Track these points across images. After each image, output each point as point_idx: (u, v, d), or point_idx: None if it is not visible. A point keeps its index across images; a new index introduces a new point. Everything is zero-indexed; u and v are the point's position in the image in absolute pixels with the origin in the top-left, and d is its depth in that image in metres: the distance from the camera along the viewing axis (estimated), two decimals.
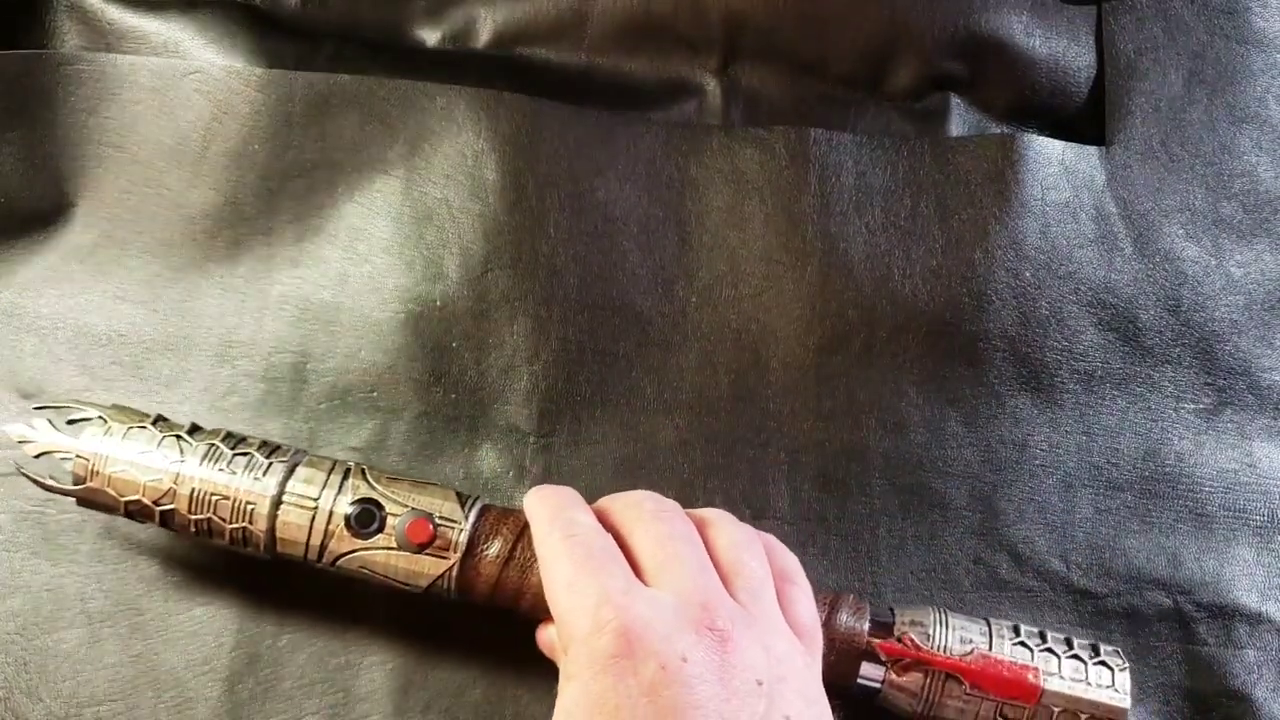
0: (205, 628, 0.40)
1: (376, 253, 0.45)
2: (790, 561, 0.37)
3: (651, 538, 0.34)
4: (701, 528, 0.35)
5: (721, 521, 0.36)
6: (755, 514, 0.43)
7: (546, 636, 0.37)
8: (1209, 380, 0.46)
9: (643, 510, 0.35)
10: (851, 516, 0.43)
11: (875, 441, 0.44)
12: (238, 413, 0.43)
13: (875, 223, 0.46)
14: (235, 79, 0.46)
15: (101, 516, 0.41)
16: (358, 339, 0.44)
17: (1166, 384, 0.46)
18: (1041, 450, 0.44)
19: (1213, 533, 0.44)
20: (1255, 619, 0.43)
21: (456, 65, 0.48)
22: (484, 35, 0.49)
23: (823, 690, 0.33)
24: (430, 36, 0.49)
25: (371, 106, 0.46)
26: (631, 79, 0.49)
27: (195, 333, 0.44)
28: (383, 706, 0.40)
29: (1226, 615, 0.43)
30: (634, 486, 0.38)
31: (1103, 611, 0.43)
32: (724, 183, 0.46)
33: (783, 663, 0.32)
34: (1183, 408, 0.45)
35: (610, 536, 0.34)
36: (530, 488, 0.42)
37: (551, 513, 0.35)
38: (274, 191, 0.45)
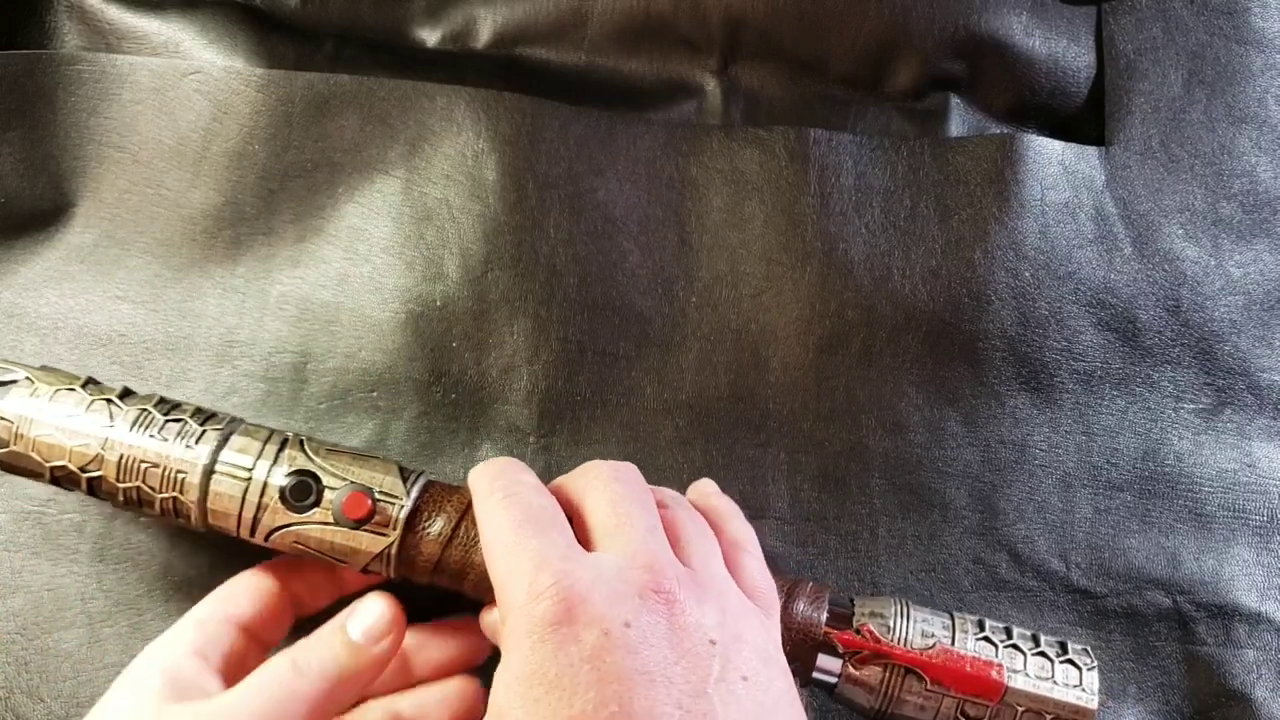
0: None
1: (377, 253, 0.45)
2: (744, 530, 0.36)
3: (606, 499, 0.33)
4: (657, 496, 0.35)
5: (670, 495, 0.36)
6: (755, 514, 0.43)
7: (490, 619, 0.35)
8: (1208, 380, 0.46)
9: (600, 471, 0.34)
10: (851, 516, 0.43)
11: (875, 441, 0.44)
12: (238, 413, 0.43)
13: (875, 223, 0.46)
14: (235, 79, 0.46)
15: (102, 516, 0.41)
16: (358, 339, 0.44)
17: (1166, 384, 0.46)
18: (1041, 450, 0.44)
19: (1212, 533, 0.44)
20: (1254, 619, 0.43)
21: (456, 65, 0.48)
22: (484, 35, 0.49)
23: (782, 653, 0.32)
24: (430, 36, 0.49)
25: (371, 107, 0.46)
26: (631, 79, 0.49)
27: (195, 333, 0.44)
28: None
29: (1226, 615, 0.43)
30: None
31: (1102, 611, 0.43)
32: (724, 183, 0.46)
33: (739, 621, 0.31)
34: (1182, 408, 0.45)
35: (552, 497, 0.33)
36: None
37: (493, 475, 0.34)
38: (274, 191, 0.45)
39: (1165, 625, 0.43)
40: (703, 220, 0.46)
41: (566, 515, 0.33)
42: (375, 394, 0.44)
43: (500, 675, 0.29)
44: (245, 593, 0.36)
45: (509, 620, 0.30)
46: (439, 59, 0.49)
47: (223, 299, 0.45)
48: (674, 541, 0.33)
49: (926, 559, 0.43)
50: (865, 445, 0.44)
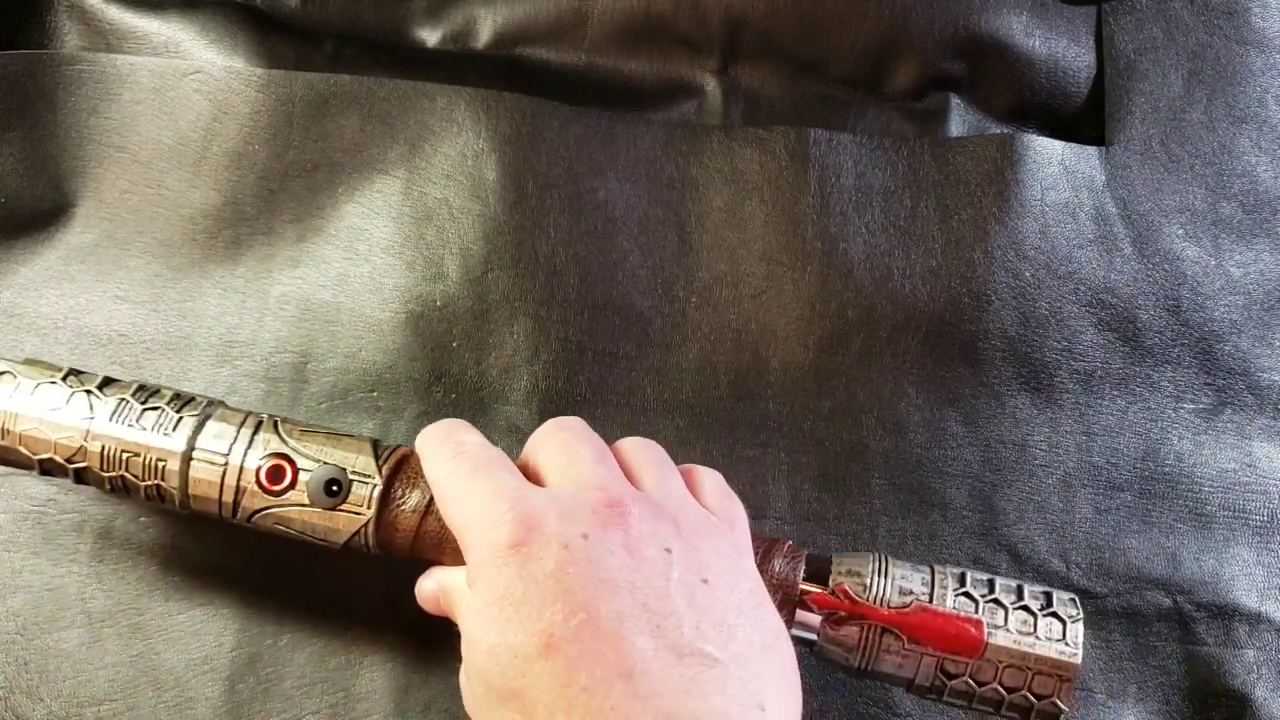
0: (205, 627, 0.40)
1: (377, 253, 0.45)
2: (701, 467, 0.37)
3: (554, 444, 0.34)
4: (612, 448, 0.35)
5: (627, 438, 0.36)
6: (755, 514, 0.43)
7: (428, 586, 0.35)
8: (1208, 380, 0.46)
9: (545, 426, 0.35)
10: (851, 516, 0.43)
11: (875, 441, 0.44)
12: None
13: (875, 223, 0.46)
14: (235, 79, 0.46)
15: (102, 516, 0.41)
16: (358, 339, 0.44)
17: (1166, 384, 0.46)
18: (1041, 450, 0.44)
19: (1212, 533, 0.44)
20: (1254, 619, 0.43)
21: (457, 65, 0.48)
22: (484, 35, 0.49)
23: (751, 560, 0.33)
24: (430, 37, 0.49)
25: (372, 107, 0.46)
26: (631, 79, 0.49)
27: (196, 333, 0.44)
28: (383, 706, 0.40)
29: (1226, 615, 0.43)
30: None
31: (1102, 611, 0.43)
32: (724, 183, 0.46)
33: (696, 533, 0.31)
34: (1182, 408, 0.45)
35: (498, 449, 0.34)
36: None
37: (438, 439, 0.35)
38: (274, 191, 0.45)
39: (1165, 625, 0.43)
40: (703, 220, 0.46)
41: (525, 475, 0.34)
42: (375, 394, 0.44)
43: (468, 607, 0.30)
44: None
45: (471, 555, 0.31)
46: (439, 59, 0.49)
47: (223, 299, 0.45)
48: (627, 470, 0.34)
49: (927, 559, 0.43)
50: (865, 445, 0.44)
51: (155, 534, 0.41)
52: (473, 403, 0.44)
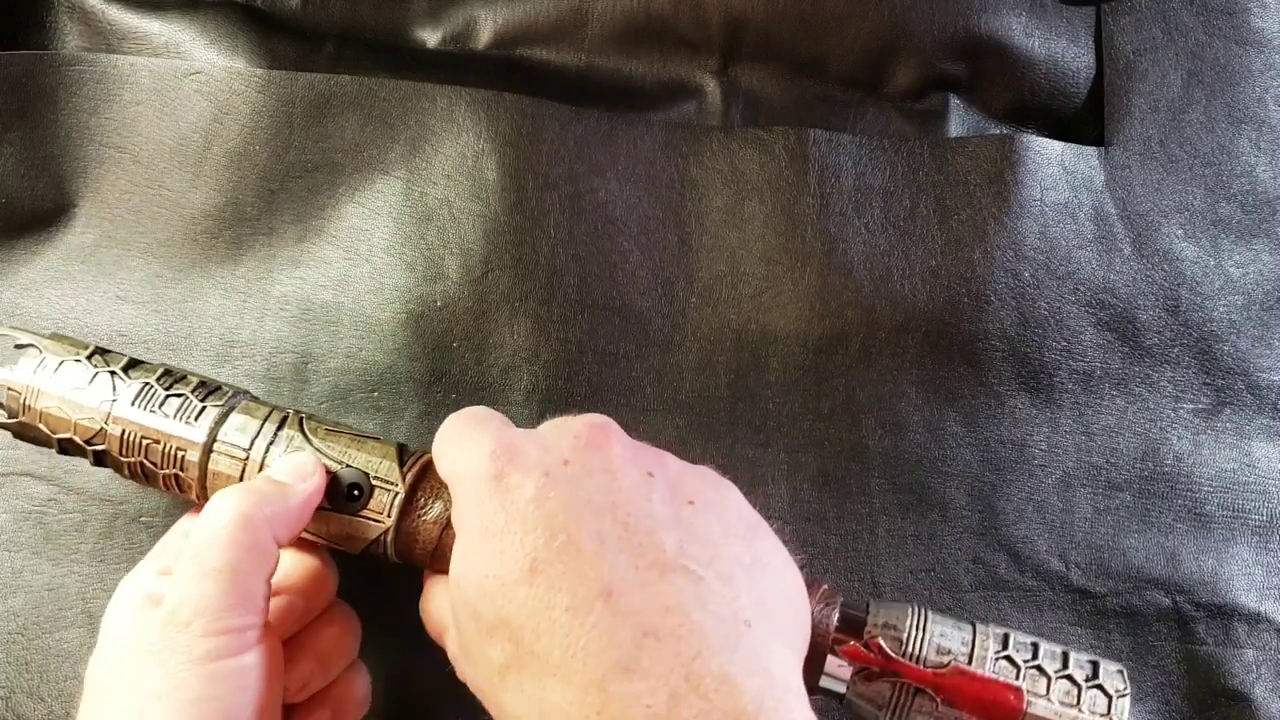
0: None
1: (377, 253, 0.45)
2: None
3: (550, 423, 0.34)
4: None
5: None
6: None
7: (432, 608, 0.35)
8: (1207, 380, 0.46)
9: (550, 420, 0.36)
10: (850, 516, 0.43)
11: (875, 441, 0.44)
12: None
13: (875, 223, 0.46)
14: (236, 80, 0.46)
15: (103, 515, 0.41)
16: (359, 339, 0.44)
17: (1165, 384, 0.46)
18: (1041, 450, 0.44)
19: (1211, 532, 0.44)
20: (1254, 618, 0.43)
21: (457, 66, 0.48)
22: (484, 36, 0.49)
23: (737, 490, 0.33)
24: (431, 37, 0.49)
25: (372, 107, 0.46)
26: (631, 79, 0.49)
27: (196, 333, 0.44)
28: (383, 706, 0.40)
29: (1225, 615, 0.43)
30: None
31: (1101, 611, 0.43)
32: (724, 183, 0.46)
33: (679, 468, 0.32)
34: (1181, 408, 0.46)
35: (506, 419, 0.34)
36: None
37: (452, 417, 0.35)
38: (275, 192, 0.46)
39: (1165, 625, 0.43)
40: (703, 220, 0.46)
41: None
42: (376, 394, 0.44)
43: (455, 551, 0.30)
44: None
45: (456, 496, 0.31)
46: (439, 60, 0.49)
47: (224, 299, 0.45)
48: None
49: (926, 559, 0.43)
50: (865, 445, 0.44)
51: (156, 533, 0.41)
52: (473, 403, 0.44)
